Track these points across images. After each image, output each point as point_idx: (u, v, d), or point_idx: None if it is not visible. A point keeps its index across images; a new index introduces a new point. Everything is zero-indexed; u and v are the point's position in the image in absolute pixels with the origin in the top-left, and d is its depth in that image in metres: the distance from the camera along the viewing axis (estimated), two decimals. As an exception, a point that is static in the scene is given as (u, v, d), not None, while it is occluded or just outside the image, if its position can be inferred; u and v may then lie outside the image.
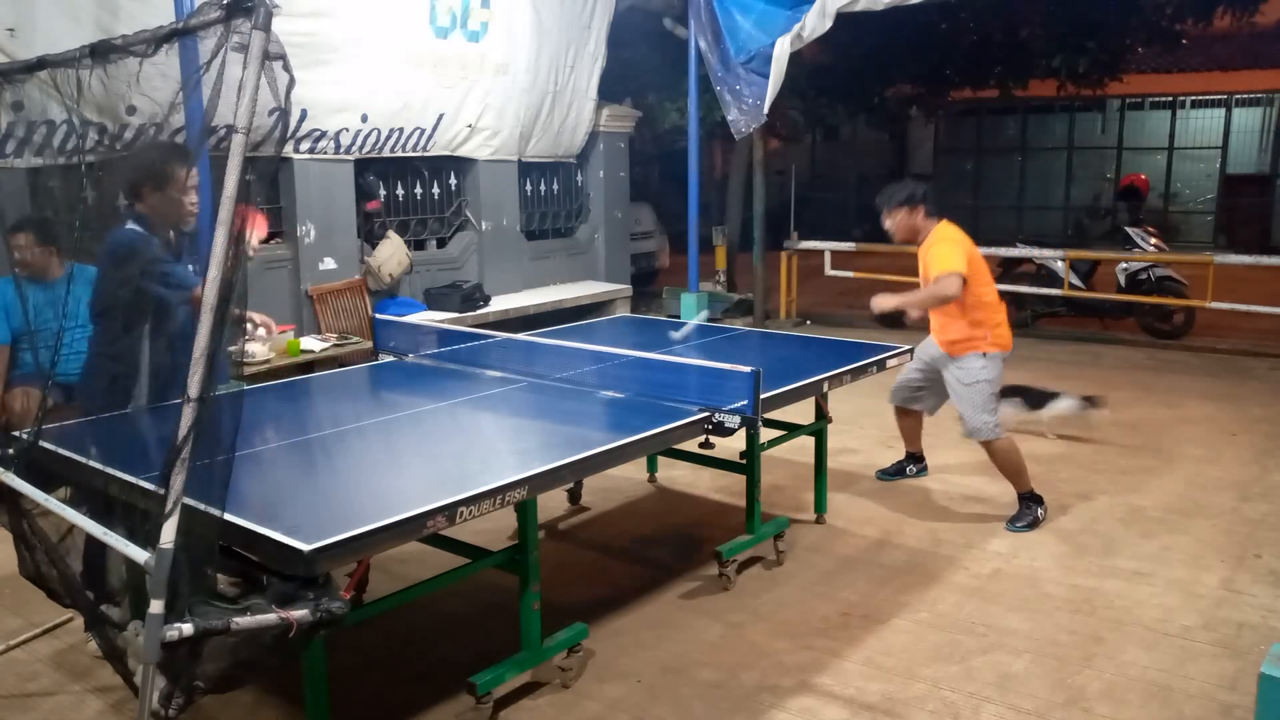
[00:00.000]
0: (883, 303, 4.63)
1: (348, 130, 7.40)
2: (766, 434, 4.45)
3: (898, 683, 3.35)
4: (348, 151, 7.49)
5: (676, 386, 3.80)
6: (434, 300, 8.21)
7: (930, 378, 4.98)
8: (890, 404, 5.32)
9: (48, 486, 2.94)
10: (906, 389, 5.15)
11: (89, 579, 3.11)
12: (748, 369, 3.46)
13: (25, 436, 3.13)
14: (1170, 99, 18.14)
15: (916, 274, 5.01)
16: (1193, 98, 18.06)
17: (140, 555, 2.28)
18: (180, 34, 2.45)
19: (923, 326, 4.90)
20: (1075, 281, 9.26)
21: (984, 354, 4.64)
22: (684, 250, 9.53)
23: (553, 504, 4.97)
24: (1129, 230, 9.57)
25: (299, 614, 2.26)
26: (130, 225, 3.44)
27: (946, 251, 4.57)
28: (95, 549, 3.08)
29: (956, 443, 5.83)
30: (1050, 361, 8.15)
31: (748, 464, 4.30)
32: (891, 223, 4.78)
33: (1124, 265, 9.30)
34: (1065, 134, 19.11)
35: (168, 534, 2.21)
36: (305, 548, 2.27)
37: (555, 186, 9.94)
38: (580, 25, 9.43)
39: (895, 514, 4.92)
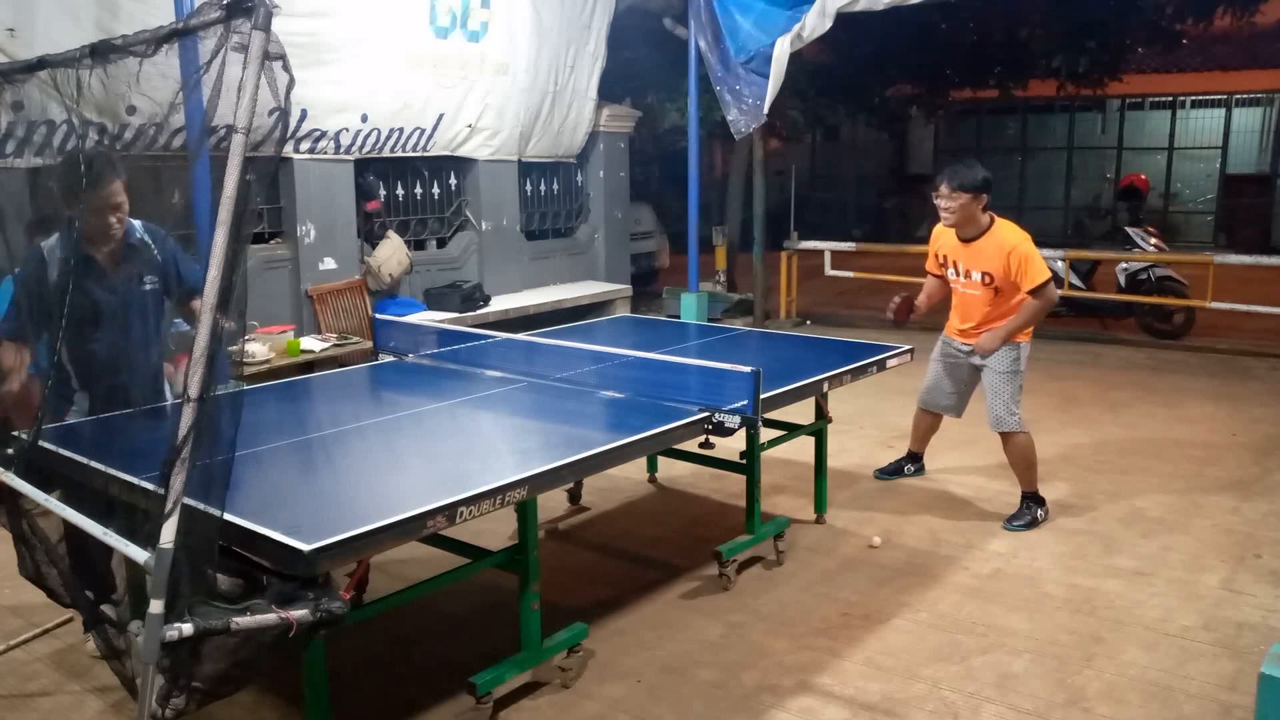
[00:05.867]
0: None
1: (348, 130, 7.40)
2: (766, 434, 4.45)
3: (898, 683, 3.35)
4: (348, 151, 7.49)
5: (676, 386, 3.79)
6: (434, 300, 8.21)
7: (961, 377, 4.97)
8: (917, 406, 5.28)
9: (47, 487, 2.94)
10: (939, 392, 5.09)
11: (81, 577, 3.10)
12: (748, 369, 3.46)
13: (25, 437, 3.13)
14: (1170, 99, 18.15)
15: (916, 275, 5.01)
16: (1193, 98, 18.06)
17: (140, 555, 2.28)
18: (180, 34, 2.45)
19: (934, 325, 4.87)
20: (1075, 281, 9.26)
21: (1019, 344, 4.70)
22: (684, 250, 9.52)
23: (553, 504, 4.97)
24: (1129, 230, 9.58)
25: (299, 614, 2.26)
26: (48, 240, 3.34)
27: (1036, 257, 4.57)
28: (82, 547, 3.07)
29: (956, 443, 5.83)
30: (1050, 361, 8.15)
31: (748, 464, 4.30)
32: (955, 204, 4.58)
33: (1124, 265, 9.31)
34: (1065, 134, 19.12)
35: (167, 534, 2.21)
36: (305, 548, 2.27)
37: (555, 186, 9.94)
38: (580, 25, 9.43)
39: (895, 514, 4.91)
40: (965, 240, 4.67)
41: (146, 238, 3.56)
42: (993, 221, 4.64)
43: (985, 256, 4.61)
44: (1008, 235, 4.59)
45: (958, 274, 4.77)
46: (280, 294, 7.18)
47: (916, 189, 19.99)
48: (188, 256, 3.70)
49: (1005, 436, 4.73)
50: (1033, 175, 19.35)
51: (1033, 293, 4.54)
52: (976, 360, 4.79)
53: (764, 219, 10.30)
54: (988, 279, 4.62)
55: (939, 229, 4.83)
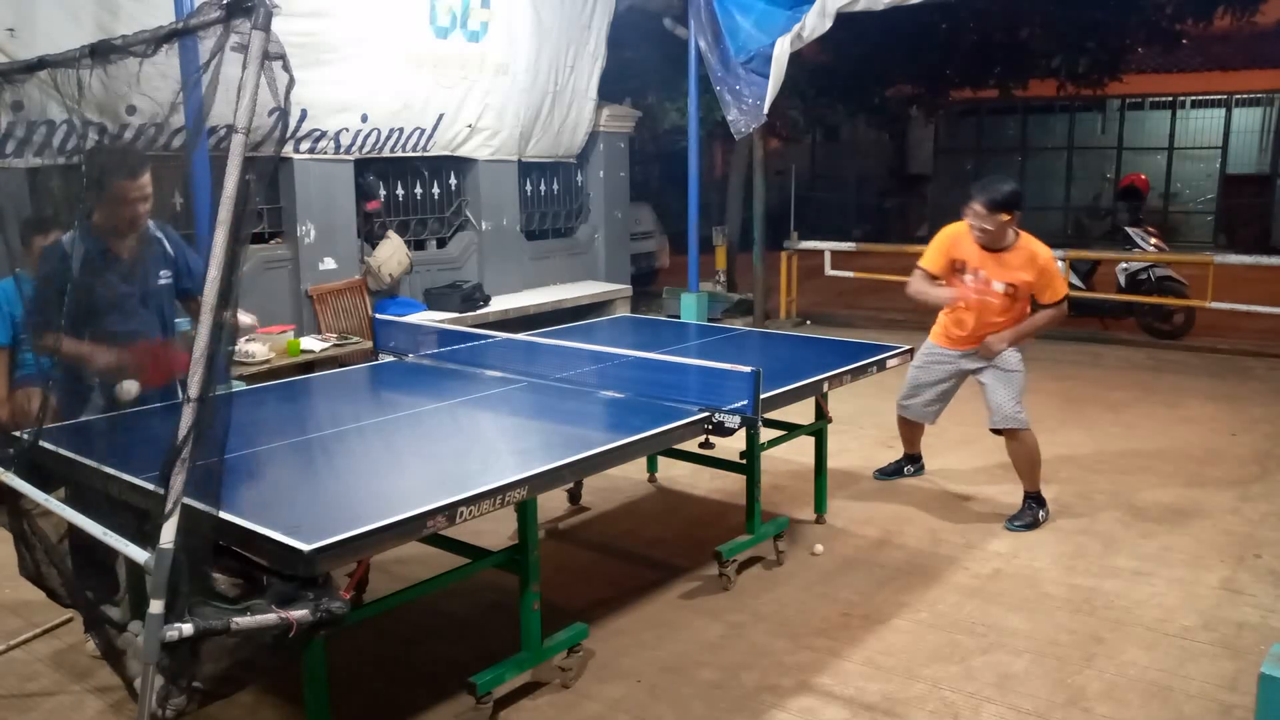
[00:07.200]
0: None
1: (348, 130, 7.41)
2: (766, 434, 4.44)
3: (898, 683, 3.35)
4: (348, 151, 7.49)
5: (676, 386, 3.80)
6: (434, 300, 8.21)
7: (942, 382, 4.97)
8: (897, 414, 5.27)
9: (48, 486, 2.94)
10: (916, 399, 5.08)
11: (81, 578, 3.10)
12: (748, 369, 3.46)
13: (25, 437, 3.13)
14: (1170, 99, 18.15)
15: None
16: (1193, 98, 18.06)
17: (140, 555, 2.28)
18: (180, 34, 2.45)
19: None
20: (1075, 281, 9.25)
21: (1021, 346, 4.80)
22: (684, 250, 9.53)
23: (553, 504, 4.97)
24: (1129, 230, 9.57)
25: (299, 614, 2.26)
26: (67, 234, 3.37)
27: (1057, 273, 4.73)
28: (83, 548, 3.07)
29: (956, 443, 5.83)
30: (1050, 361, 8.14)
31: (748, 464, 4.30)
32: (991, 224, 4.55)
33: (1124, 265, 9.31)
34: (1065, 134, 19.12)
35: (167, 534, 2.21)
36: (305, 548, 2.27)
37: (555, 186, 9.94)
38: (580, 25, 9.43)
39: (895, 514, 4.91)
40: (991, 250, 4.66)
41: (159, 233, 3.64)
42: (1018, 235, 4.66)
43: (1013, 269, 4.62)
44: (1037, 249, 4.66)
45: (976, 280, 4.71)
46: (280, 294, 7.18)
47: (916, 189, 20.03)
48: (195, 253, 3.76)
49: (1011, 434, 4.73)
50: (1033, 175, 19.32)
51: (1053, 305, 4.68)
52: (967, 364, 4.80)
53: (764, 219, 10.30)
54: (1011, 289, 4.64)
55: (954, 231, 4.76)
